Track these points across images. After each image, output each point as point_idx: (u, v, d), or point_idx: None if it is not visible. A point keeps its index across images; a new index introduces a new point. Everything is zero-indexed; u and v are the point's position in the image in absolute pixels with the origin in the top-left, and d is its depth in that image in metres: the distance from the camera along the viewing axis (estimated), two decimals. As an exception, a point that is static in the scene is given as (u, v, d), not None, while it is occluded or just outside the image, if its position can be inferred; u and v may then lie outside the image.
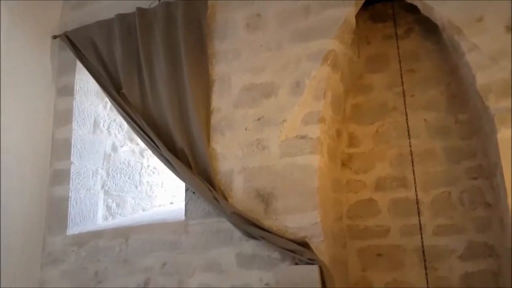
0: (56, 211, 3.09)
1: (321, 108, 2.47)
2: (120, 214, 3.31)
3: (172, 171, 2.63)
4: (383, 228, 2.65)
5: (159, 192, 3.57)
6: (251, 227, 2.34)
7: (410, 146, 2.65)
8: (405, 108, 2.72)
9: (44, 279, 3.04)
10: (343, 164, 2.77)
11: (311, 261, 2.18)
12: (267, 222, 2.37)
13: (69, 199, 3.07)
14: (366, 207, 2.70)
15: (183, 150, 2.60)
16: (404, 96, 2.73)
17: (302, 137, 2.43)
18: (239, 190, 2.51)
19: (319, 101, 2.48)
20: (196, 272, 2.56)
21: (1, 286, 2.81)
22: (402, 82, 2.74)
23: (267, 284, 2.35)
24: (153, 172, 3.56)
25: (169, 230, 2.72)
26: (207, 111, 2.66)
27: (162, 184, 3.59)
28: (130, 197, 3.40)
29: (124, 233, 2.86)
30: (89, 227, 3.05)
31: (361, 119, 2.83)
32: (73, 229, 3.05)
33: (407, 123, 2.70)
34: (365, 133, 2.81)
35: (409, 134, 2.67)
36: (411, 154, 2.64)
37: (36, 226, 3.08)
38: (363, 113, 2.83)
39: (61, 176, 3.12)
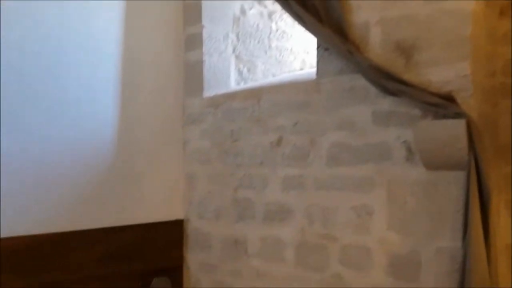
0: (192, 75, 3.21)
1: None
2: (251, 79, 3.33)
3: (303, 26, 2.48)
4: (546, 84, 2.28)
5: (289, 58, 3.49)
6: (390, 81, 2.15)
7: None
8: None
9: (186, 138, 3.28)
10: (502, 12, 2.35)
11: (457, 116, 1.97)
12: (407, 76, 2.16)
13: (203, 63, 3.15)
14: (526, 61, 2.32)
15: (313, 3, 2.42)
16: None
17: (454, -23, 2.07)
18: (376, 44, 2.30)
19: None
20: (329, 130, 2.52)
21: (150, 146, 3.10)
22: None
23: (404, 141, 2.22)
24: (282, 37, 3.45)
25: (300, 89, 2.67)
26: (341, -44, 2.38)
27: (292, 49, 3.49)
28: (260, 62, 3.38)
29: (256, 94, 2.89)
30: (223, 89, 3.15)
31: (530, -46, 2.32)
32: (208, 92, 3.17)
33: None
34: (534, -28, 2.31)
35: None
36: None
37: (176, 90, 3.26)
38: None
39: (194, 41, 3.18)
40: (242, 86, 3.20)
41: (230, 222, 3.01)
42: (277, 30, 3.41)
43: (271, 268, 2.78)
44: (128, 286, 2.87)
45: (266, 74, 3.38)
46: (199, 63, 3.16)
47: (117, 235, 2.84)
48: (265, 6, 3.32)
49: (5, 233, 2.34)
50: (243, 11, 3.26)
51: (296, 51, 3.49)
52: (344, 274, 2.46)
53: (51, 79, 2.59)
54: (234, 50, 3.26)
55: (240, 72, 3.29)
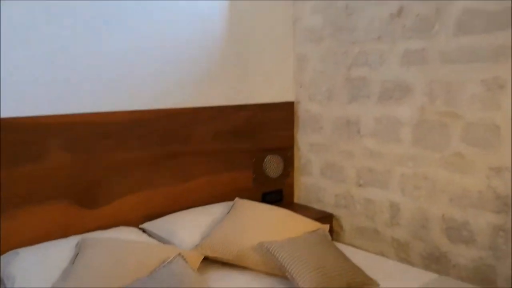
0: None
1: None
2: None
3: None
4: None
5: None
6: None
7: None
8: None
9: (296, 15, 3.25)
10: None
11: None
12: None
13: None
14: None
15: None
16: None
17: None
18: None
19: None
20: (459, -5, 2.33)
21: (260, 26, 3.11)
22: None
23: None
24: None
25: (428, -50, 2.45)
26: None
27: None
28: None
29: (374, -40, 2.72)
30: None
31: None
32: (320, -38, 3.05)
33: None
34: None
35: None
36: None
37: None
38: None
39: None
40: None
41: (343, 102, 3.02)
42: None
43: (385, 148, 2.80)
44: (242, 161, 3.09)
45: None
46: None
47: (232, 114, 3.01)
48: None
49: (132, 107, 2.60)
50: None
51: None
52: (466, 153, 2.41)
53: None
54: None
55: None
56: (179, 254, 2.02)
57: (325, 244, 2.25)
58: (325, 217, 3.04)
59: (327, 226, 2.59)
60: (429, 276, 2.22)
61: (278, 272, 2.17)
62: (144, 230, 2.58)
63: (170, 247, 2.21)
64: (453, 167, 2.47)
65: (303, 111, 3.31)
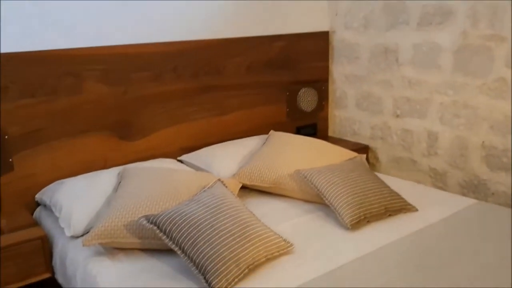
0: None
1: None
2: None
3: None
4: None
5: None
6: None
7: None
8: None
9: None
10: None
11: None
12: None
13: None
14: None
15: None
16: None
17: None
18: None
19: None
20: None
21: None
22: None
23: None
24: None
25: None
26: None
27: None
28: None
29: None
30: None
31: None
32: None
33: None
34: None
35: None
36: None
37: None
38: None
39: None
40: None
41: (380, 30, 3.00)
42: None
43: (425, 76, 2.80)
44: (276, 94, 3.14)
45: None
46: None
47: (265, 45, 3.02)
48: None
49: (165, 38, 2.65)
50: None
51: None
52: (509, 78, 2.40)
53: None
54: None
55: None
56: (219, 179, 2.13)
57: (363, 170, 2.32)
58: (360, 149, 3.11)
59: (364, 155, 2.66)
60: (468, 202, 2.27)
61: (315, 199, 2.27)
62: (182, 162, 2.71)
63: (210, 175, 2.33)
64: (494, 93, 2.47)
65: (338, 41, 3.30)
